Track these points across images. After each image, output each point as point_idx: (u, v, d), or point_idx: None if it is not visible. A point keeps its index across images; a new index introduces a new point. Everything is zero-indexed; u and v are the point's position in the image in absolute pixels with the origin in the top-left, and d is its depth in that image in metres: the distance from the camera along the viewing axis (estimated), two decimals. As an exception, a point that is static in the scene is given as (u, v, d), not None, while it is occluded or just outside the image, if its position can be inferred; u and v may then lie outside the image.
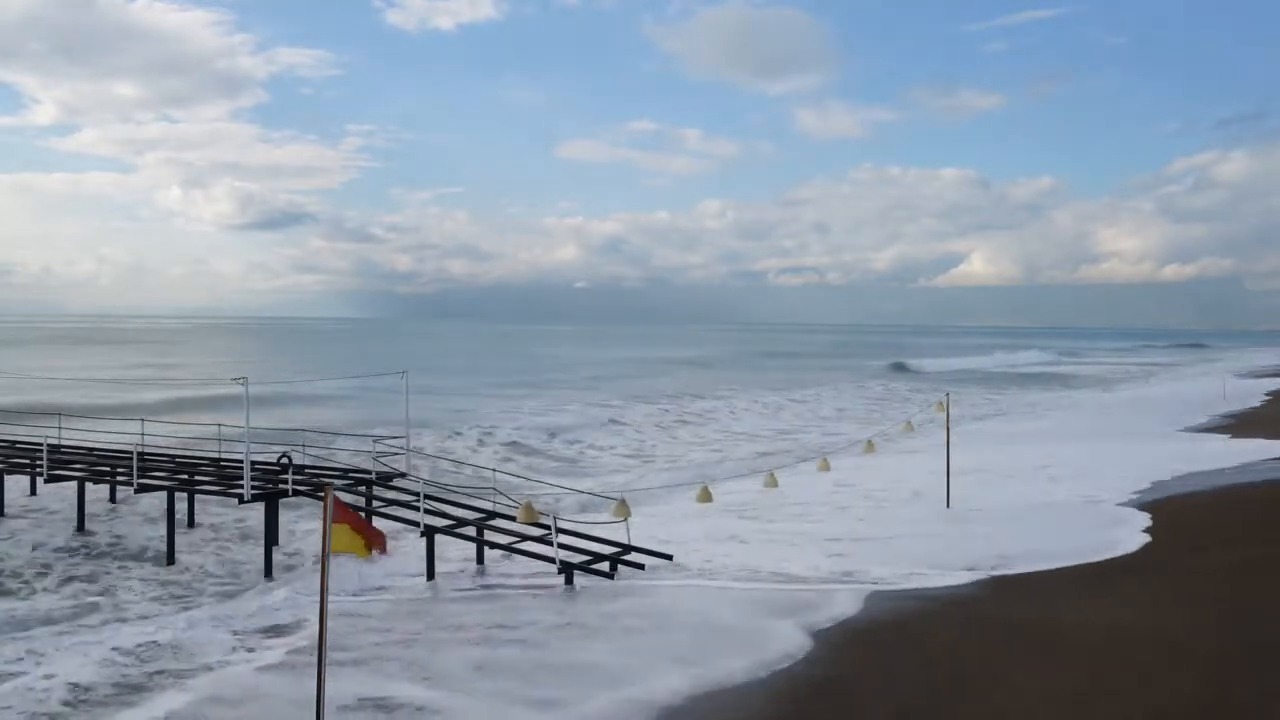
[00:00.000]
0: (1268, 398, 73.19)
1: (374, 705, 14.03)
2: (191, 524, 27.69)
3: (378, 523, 24.56)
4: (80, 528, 26.40)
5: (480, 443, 46.29)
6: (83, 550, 24.77)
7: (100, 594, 21.16)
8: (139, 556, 24.54)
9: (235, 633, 17.73)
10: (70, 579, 22.35)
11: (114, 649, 16.55)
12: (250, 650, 16.81)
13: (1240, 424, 53.23)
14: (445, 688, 14.78)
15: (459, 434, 48.84)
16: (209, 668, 15.85)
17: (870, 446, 45.29)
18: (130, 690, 14.84)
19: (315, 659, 14.48)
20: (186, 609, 20.16)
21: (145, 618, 19.49)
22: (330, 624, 16.91)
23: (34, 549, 24.85)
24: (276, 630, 18.05)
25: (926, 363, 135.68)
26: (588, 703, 13.99)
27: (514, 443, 47.28)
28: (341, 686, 14.38)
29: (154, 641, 17.09)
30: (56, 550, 24.83)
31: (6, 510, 27.99)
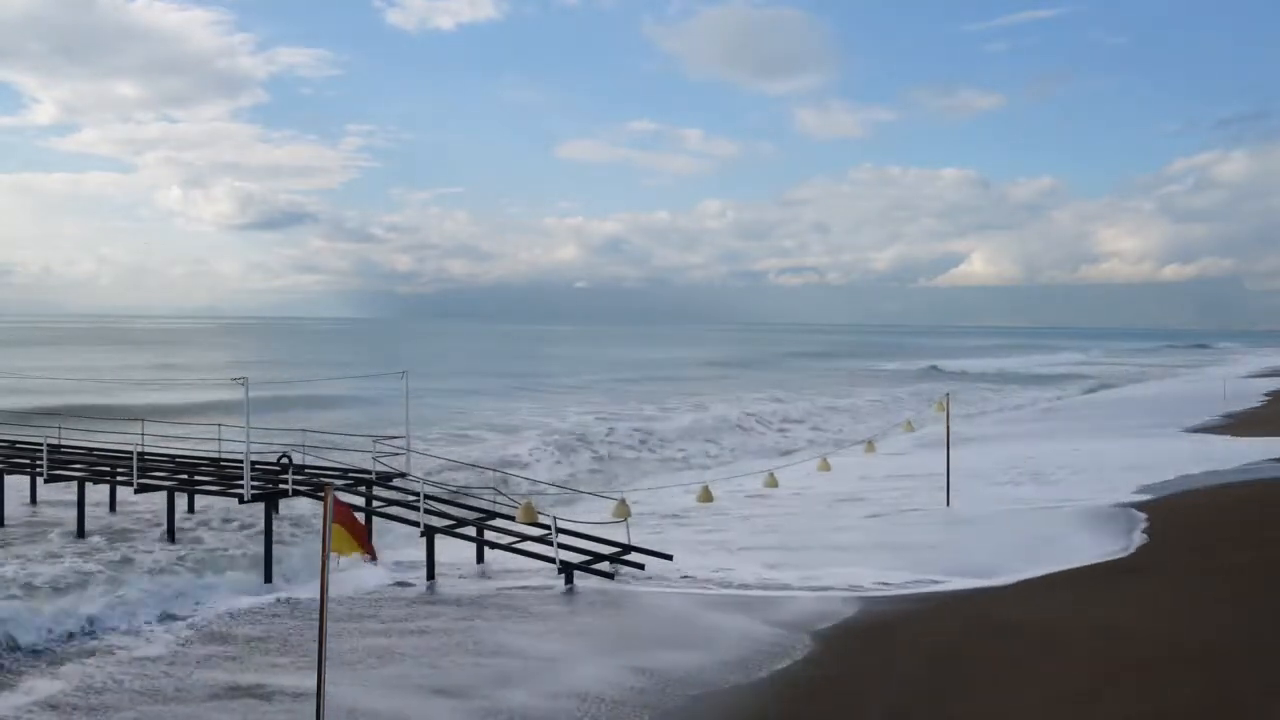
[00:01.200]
0: (1267, 397, 73.18)
1: (245, 693, 14.24)
2: (191, 509, 28.00)
3: (377, 522, 24.61)
4: (80, 526, 26.37)
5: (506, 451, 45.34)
6: (74, 545, 24.75)
7: (74, 584, 20.98)
8: (132, 549, 24.53)
9: (149, 621, 18.17)
10: (51, 567, 22.21)
11: (46, 631, 16.90)
12: (137, 636, 17.26)
13: (1240, 424, 53.20)
14: (338, 677, 14.83)
15: (465, 436, 48.81)
16: (89, 654, 16.25)
17: (871, 446, 45.28)
18: (11, 673, 15.13)
19: (202, 650, 14.66)
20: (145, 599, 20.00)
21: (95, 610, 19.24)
22: (259, 622, 17.03)
23: (27, 543, 24.90)
24: (175, 619, 18.41)
25: (957, 364, 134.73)
26: (498, 693, 14.12)
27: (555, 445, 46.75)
28: (218, 676, 14.89)
29: (72, 628, 17.45)
30: (48, 543, 24.90)
31: (6, 510, 27.96)
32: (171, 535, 25.28)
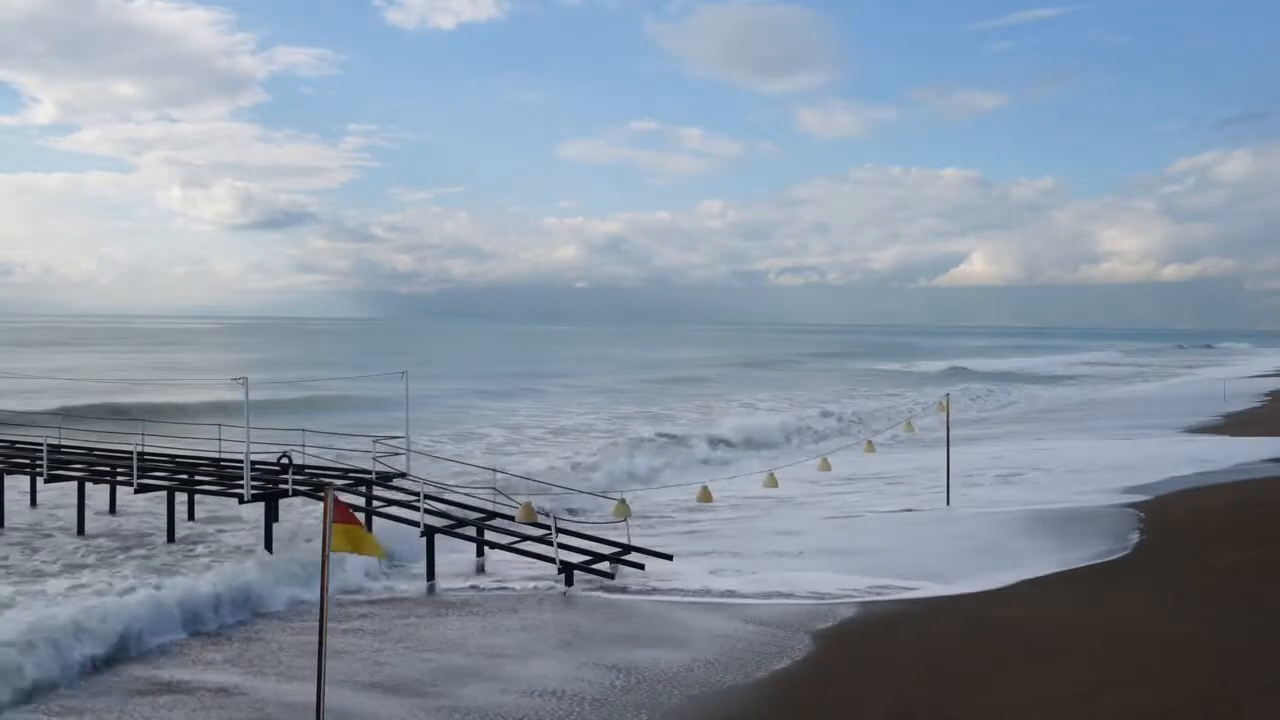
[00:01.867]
0: (1267, 398, 73.24)
1: (168, 689, 14.34)
2: (191, 515, 27.74)
3: (377, 522, 24.63)
4: (80, 528, 26.40)
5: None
6: (73, 548, 24.71)
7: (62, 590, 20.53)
8: (133, 551, 24.55)
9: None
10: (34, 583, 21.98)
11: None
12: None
13: (1239, 424, 53.23)
14: (272, 675, 15.02)
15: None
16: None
17: (870, 447, 45.29)
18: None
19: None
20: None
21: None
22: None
23: (29, 544, 24.92)
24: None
25: (976, 363, 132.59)
26: (484, 693, 14.20)
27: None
28: (140, 672, 15.12)
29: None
30: (48, 544, 24.91)
31: (6, 510, 27.97)
32: (171, 536, 25.21)
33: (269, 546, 23.33)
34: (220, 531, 26.82)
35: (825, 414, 61.71)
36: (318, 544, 20.59)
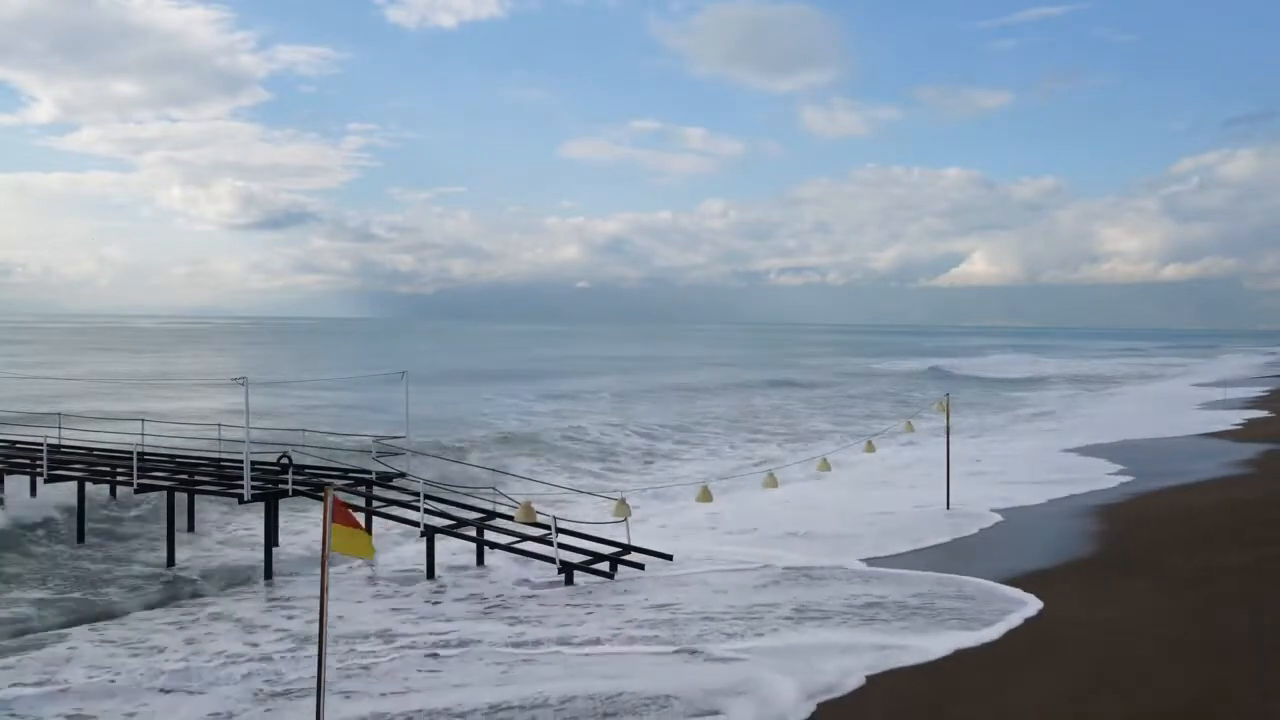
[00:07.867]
0: (1259, 399, 73.40)
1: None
2: (191, 528, 27.52)
3: (377, 523, 24.66)
4: (80, 530, 26.38)
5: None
6: (75, 560, 24.60)
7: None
8: (134, 561, 24.52)
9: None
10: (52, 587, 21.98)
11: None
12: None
13: (1232, 424, 53.30)
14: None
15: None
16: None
17: (871, 446, 45.23)
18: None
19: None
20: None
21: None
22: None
23: (30, 551, 24.88)
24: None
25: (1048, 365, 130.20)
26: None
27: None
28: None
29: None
30: (49, 554, 24.84)
31: (6, 510, 27.93)
32: (171, 560, 24.73)
33: (269, 546, 23.32)
34: (221, 544, 26.59)
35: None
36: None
